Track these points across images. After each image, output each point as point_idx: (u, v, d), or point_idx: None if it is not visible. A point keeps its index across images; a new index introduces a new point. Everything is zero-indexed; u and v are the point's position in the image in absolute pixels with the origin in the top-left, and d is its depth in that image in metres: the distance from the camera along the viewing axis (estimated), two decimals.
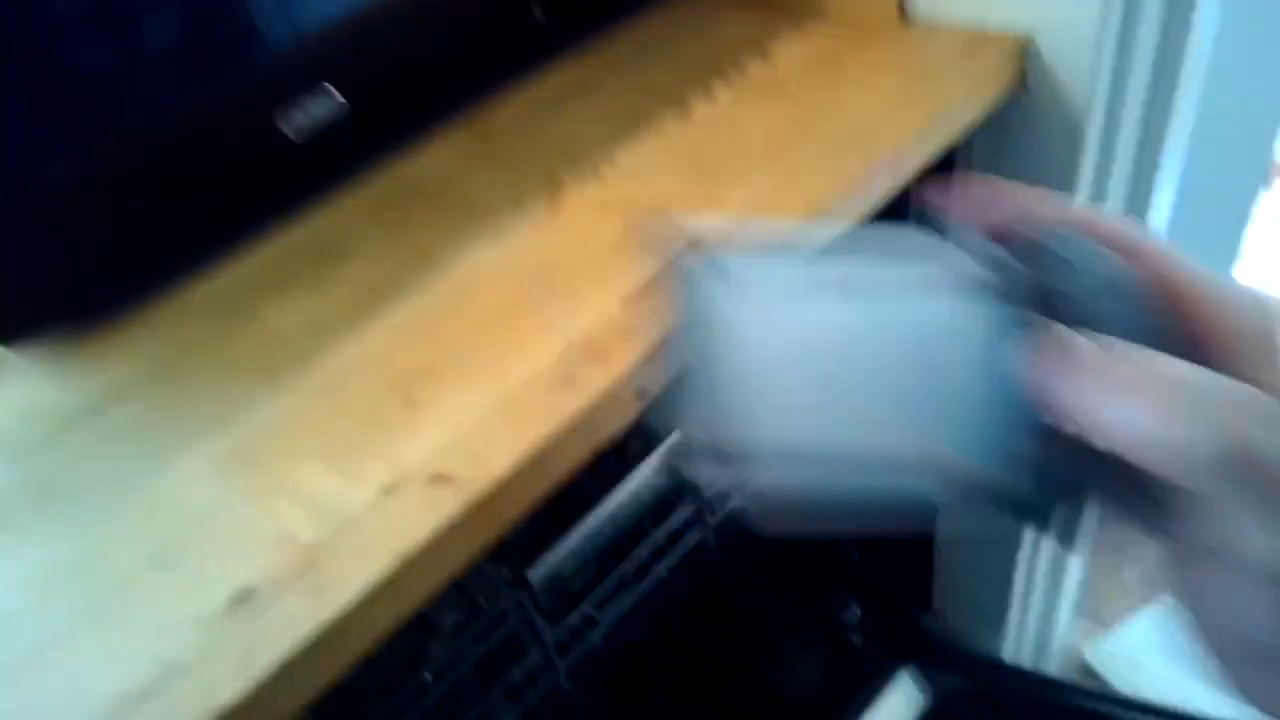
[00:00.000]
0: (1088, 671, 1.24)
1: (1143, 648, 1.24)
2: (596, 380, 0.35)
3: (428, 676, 0.48)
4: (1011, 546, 0.76)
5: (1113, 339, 0.23)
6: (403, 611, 0.30)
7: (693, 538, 0.61)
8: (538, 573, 0.48)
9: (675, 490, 0.58)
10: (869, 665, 0.92)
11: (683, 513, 0.59)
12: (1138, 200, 0.57)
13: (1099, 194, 0.55)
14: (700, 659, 0.89)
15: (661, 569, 0.59)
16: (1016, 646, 0.89)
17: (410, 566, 0.30)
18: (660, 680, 0.90)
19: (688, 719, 0.91)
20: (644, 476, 0.54)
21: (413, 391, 0.37)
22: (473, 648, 0.48)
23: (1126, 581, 1.37)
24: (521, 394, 0.35)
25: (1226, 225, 1.25)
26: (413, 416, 0.35)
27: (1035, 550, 0.77)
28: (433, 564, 0.31)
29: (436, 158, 0.53)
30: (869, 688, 0.89)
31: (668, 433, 0.55)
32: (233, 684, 0.28)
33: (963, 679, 0.87)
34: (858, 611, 0.95)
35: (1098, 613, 1.31)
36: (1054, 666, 1.06)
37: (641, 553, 0.58)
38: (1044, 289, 0.25)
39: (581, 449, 0.35)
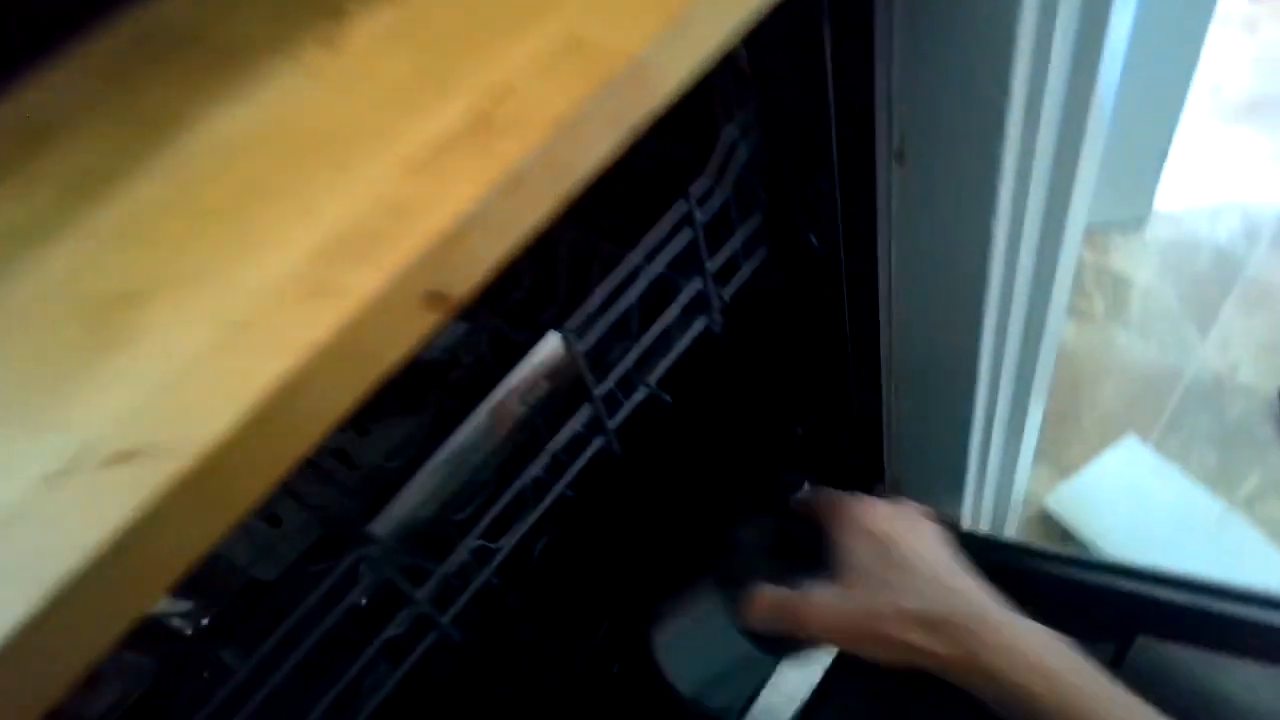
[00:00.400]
0: (1049, 520, 1.22)
1: (1103, 491, 1.21)
2: (364, 285, 0.24)
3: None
4: (966, 403, 0.69)
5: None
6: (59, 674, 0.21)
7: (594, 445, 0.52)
8: (386, 523, 0.39)
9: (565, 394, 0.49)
10: None
11: (579, 418, 0.50)
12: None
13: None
14: (633, 579, 0.81)
15: (561, 486, 0.51)
16: (975, 508, 0.84)
17: (67, 603, 0.20)
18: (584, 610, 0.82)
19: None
20: (518, 380, 0.44)
21: (106, 325, 0.25)
22: (321, 619, 0.39)
23: (1085, 427, 1.34)
24: (255, 315, 0.24)
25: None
26: (101, 363, 0.25)
27: (992, 402, 0.70)
28: (105, 594, 0.21)
29: None
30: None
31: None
32: None
33: None
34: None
35: (1057, 459, 1.28)
36: (1015, 518, 1.02)
37: (534, 470, 0.49)
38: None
39: (349, 385, 0.24)
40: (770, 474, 0.90)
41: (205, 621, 0.47)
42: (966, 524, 0.84)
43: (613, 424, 0.52)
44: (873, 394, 0.73)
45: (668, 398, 0.56)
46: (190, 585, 0.48)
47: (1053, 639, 0.44)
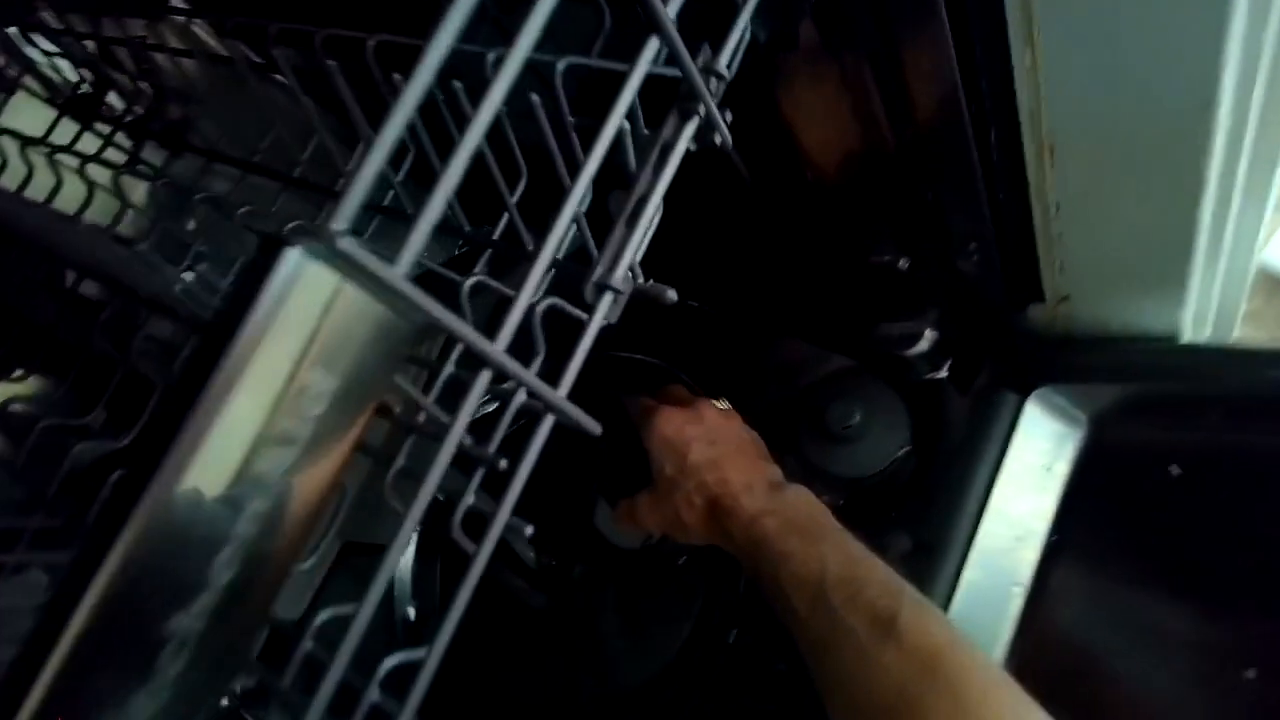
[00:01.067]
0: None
1: None
2: None
3: None
4: (1192, 165, 0.41)
5: None
6: None
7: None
8: None
9: None
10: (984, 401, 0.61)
11: None
12: None
13: None
14: None
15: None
16: (1200, 310, 0.56)
17: None
18: None
19: None
20: None
21: None
22: None
23: None
24: None
25: None
26: None
27: (1233, 159, 0.42)
28: None
29: None
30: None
31: None
32: None
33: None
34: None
35: None
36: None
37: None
38: None
39: None
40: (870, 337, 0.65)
41: None
42: (1186, 336, 0.56)
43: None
44: (1011, 166, 0.46)
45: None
46: None
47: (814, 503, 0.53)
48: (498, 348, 0.23)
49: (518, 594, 0.75)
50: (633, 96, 0.25)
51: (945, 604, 0.55)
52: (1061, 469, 0.57)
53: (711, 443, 0.57)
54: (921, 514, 0.60)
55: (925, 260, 0.56)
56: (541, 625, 0.74)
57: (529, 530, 0.28)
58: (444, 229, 0.40)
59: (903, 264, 0.56)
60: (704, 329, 0.76)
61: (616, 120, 0.24)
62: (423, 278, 0.28)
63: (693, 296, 0.77)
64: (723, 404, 0.64)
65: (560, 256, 0.30)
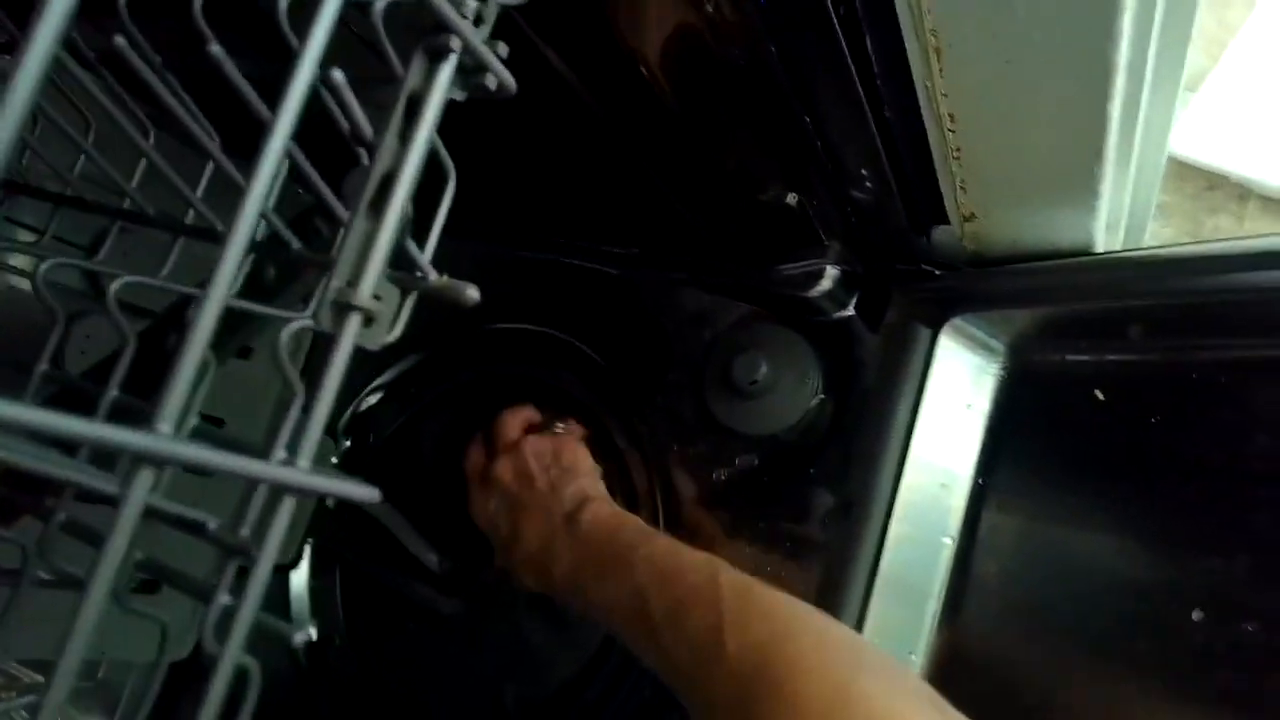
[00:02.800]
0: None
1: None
2: None
3: None
4: (1100, 50, 0.35)
5: None
6: None
7: None
8: None
9: None
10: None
11: None
12: None
13: None
14: None
15: None
16: (1113, 216, 0.51)
17: None
18: None
19: None
20: None
21: None
22: None
23: None
24: None
25: None
26: None
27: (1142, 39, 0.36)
28: None
29: None
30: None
31: None
32: None
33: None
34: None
35: None
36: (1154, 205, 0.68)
37: None
38: None
39: None
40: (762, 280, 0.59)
41: None
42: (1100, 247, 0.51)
43: None
44: (895, 76, 0.39)
45: None
46: None
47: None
48: (159, 432, 0.16)
49: (428, 603, 0.68)
50: (328, 30, 0.17)
51: (873, 562, 0.50)
52: (982, 405, 0.52)
53: (509, 510, 0.57)
54: (841, 468, 0.55)
55: (816, 193, 0.50)
56: (457, 632, 0.68)
57: (306, 635, 0.22)
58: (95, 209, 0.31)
59: (791, 200, 0.50)
60: (595, 289, 0.69)
61: (308, 66, 0.17)
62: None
63: (578, 254, 0.70)
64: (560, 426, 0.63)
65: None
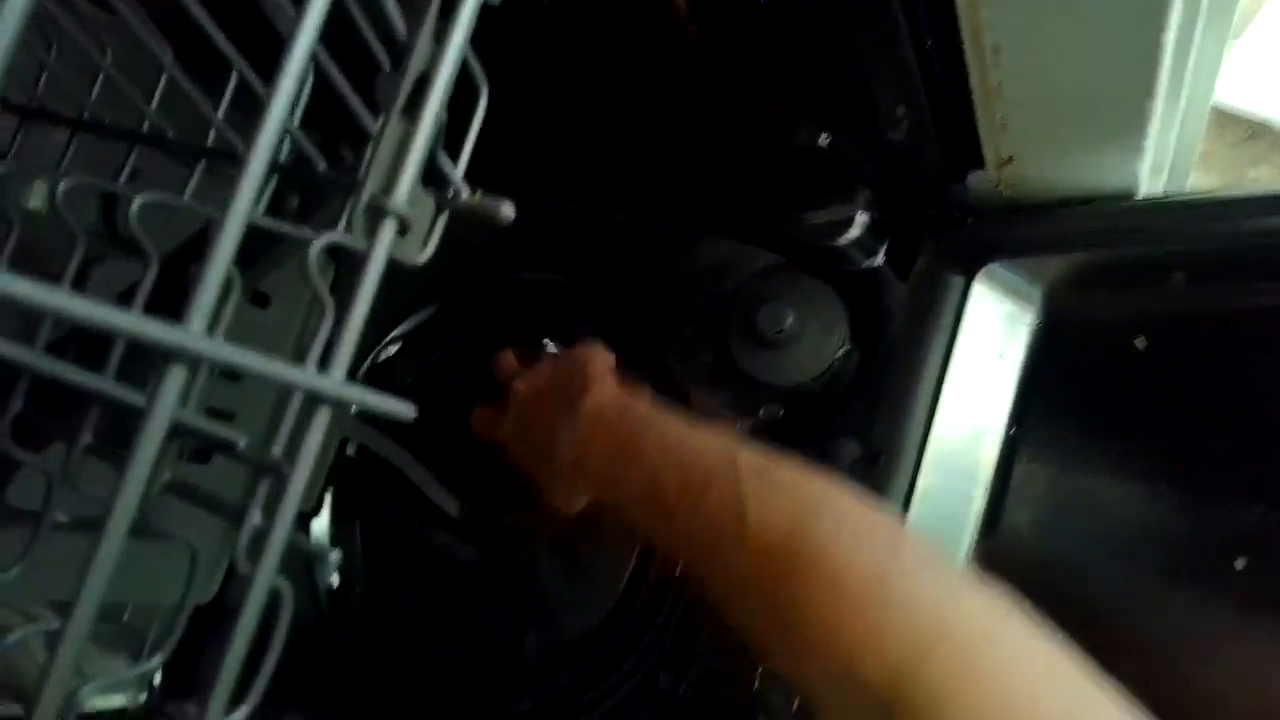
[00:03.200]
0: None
1: None
2: None
3: None
4: None
5: None
6: None
7: None
8: None
9: None
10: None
11: None
12: None
13: None
14: None
15: None
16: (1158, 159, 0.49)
17: None
18: None
19: None
20: None
21: None
22: None
23: None
24: None
25: None
26: None
27: None
28: None
29: None
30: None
31: None
32: None
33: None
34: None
35: None
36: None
37: None
38: None
39: None
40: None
41: None
42: (1143, 192, 0.49)
43: None
44: (937, 3, 0.38)
45: None
46: None
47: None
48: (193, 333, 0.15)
49: (447, 551, 0.68)
50: None
51: (900, 514, 0.50)
52: (1015, 354, 0.51)
53: (527, 432, 0.56)
54: (868, 418, 0.54)
55: (848, 134, 0.48)
56: (476, 580, 0.68)
57: (338, 558, 0.21)
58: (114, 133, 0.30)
59: (823, 141, 0.49)
60: (614, 237, 0.68)
61: None
62: None
63: (599, 203, 0.69)
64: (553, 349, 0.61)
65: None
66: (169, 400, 0.15)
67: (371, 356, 0.75)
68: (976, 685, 0.29)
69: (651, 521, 0.43)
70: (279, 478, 0.20)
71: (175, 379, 0.15)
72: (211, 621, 0.70)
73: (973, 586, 0.32)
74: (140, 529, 0.25)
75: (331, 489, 0.73)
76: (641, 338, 0.64)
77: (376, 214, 0.18)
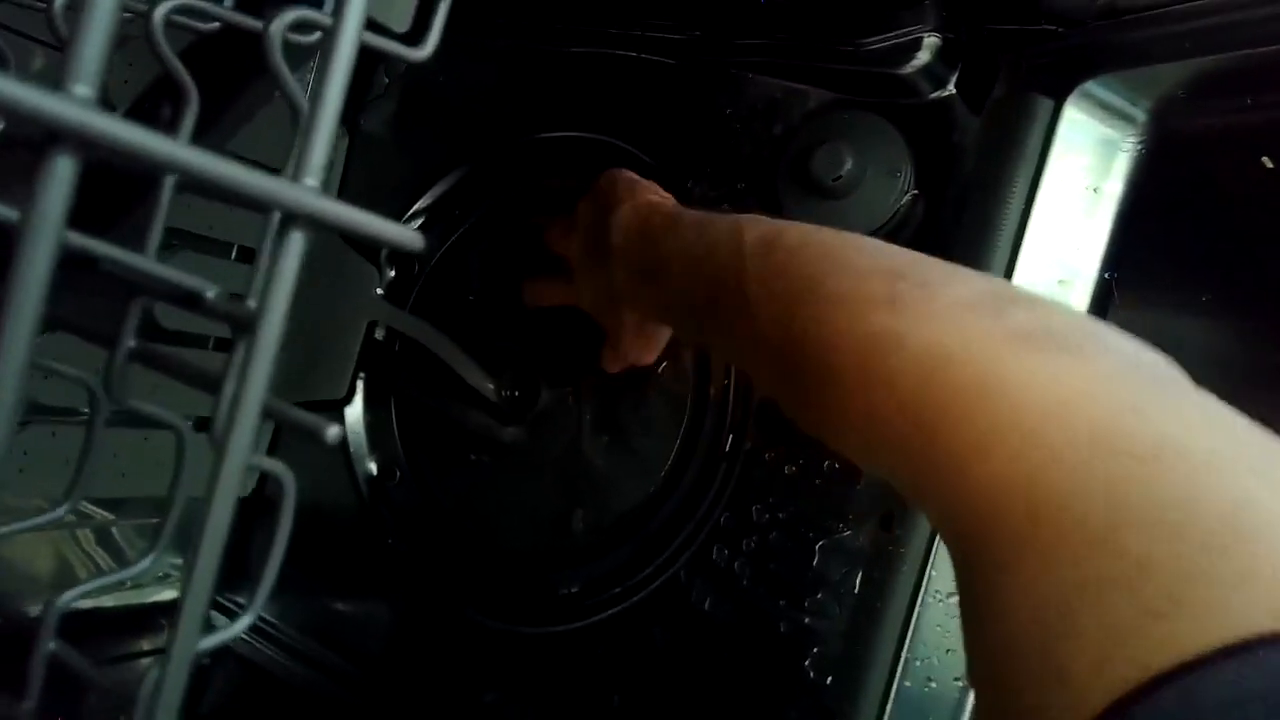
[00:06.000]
0: None
1: None
2: None
3: None
4: None
5: None
6: None
7: None
8: None
9: None
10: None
11: None
12: None
13: None
14: None
15: None
16: None
17: None
18: None
19: None
20: None
21: None
22: None
23: None
24: None
25: None
26: None
27: None
28: None
29: None
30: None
31: None
32: None
33: None
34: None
35: None
36: None
37: None
38: None
39: None
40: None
41: None
42: None
43: None
44: None
45: None
46: None
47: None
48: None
49: (487, 432, 0.66)
50: None
51: None
52: (1114, 188, 0.45)
53: (580, 270, 0.53)
54: None
55: None
56: (519, 461, 0.65)
57: (339, 433, 0.17)
58: None
59: None
60: (651, 84, 0.61)
61: None
62: None
63: (631, 44, 0.62)
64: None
65: None
66: (57, 198, 0.11)
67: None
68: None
69: (689, 334, 0.42)
70: (254, 333, 0.16)
71: (64, 171, 0.11)
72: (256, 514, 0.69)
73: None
74: (117, 410, 0.21)
75: (363, 375, 0.71)
76: (684, 194, 0.59)
77: None
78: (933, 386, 0.24)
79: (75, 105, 0.10)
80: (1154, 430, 0.21)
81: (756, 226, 0.36)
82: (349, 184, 0.72)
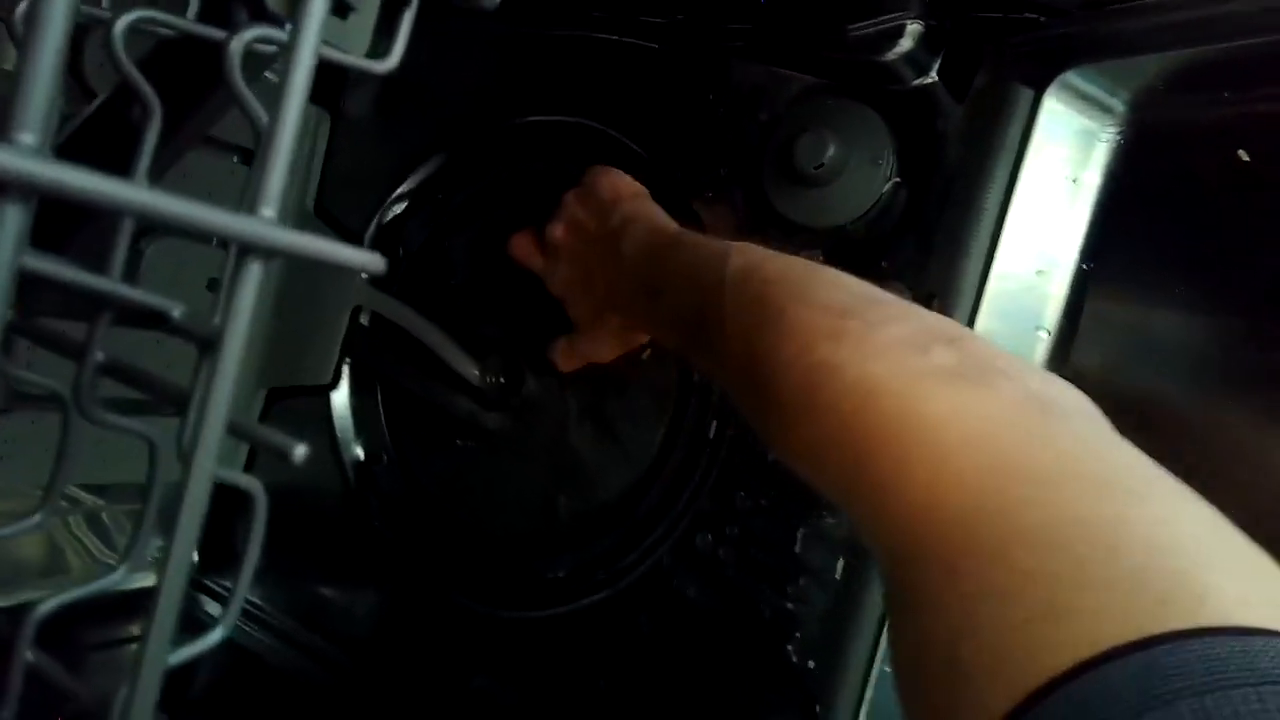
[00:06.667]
0: None
1: None
2: None
3: None
4: None
5: None
6: None
7: None
8: None
9: None
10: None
11: None
12: None
13: None
14: None
15: None
16: None
17: None
18: None
19: None
20: None
21: None
22: None
23: None
24: None
25: None
26: None
27: None
28: None
29: None
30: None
31: None
32: None
33: None
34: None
35: None
36: None
37: None
38: None
39: None
40: None
41: None
42: None
43: None
44: None
45: None
46: None
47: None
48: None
49: (473, 418, 0.66)
50: None
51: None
52: (1091, 178, 0.45)
53: (570, 270, 0.55)
54: (920, 259, 0.48)
55: None
56: (504, 446, 0.65)
57: (305, 452, 0.17)
58: None
59: None
60: (635, 68, 0.61)
61: None
62: None
63: (615, 28, 0.61)
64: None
65: None
66: (8, 243, 0.11)
67: (377, 218, 0.70)
68: None
69: (674, 345, 0.44)
70: (217, 354, 0.16)
71: (13, 219, 0.11)
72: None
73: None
74: (86, 416, 0.21)
75: (349, 360, 0.71)
76: (666, 181, 0.59)
77: None
78: (863, 415, 0.27)
79: (22, 155, 0.10)
80: (1050, 458, 0.24)
81: (744, 255, 0.38)
82: (331, 168, 0.72)
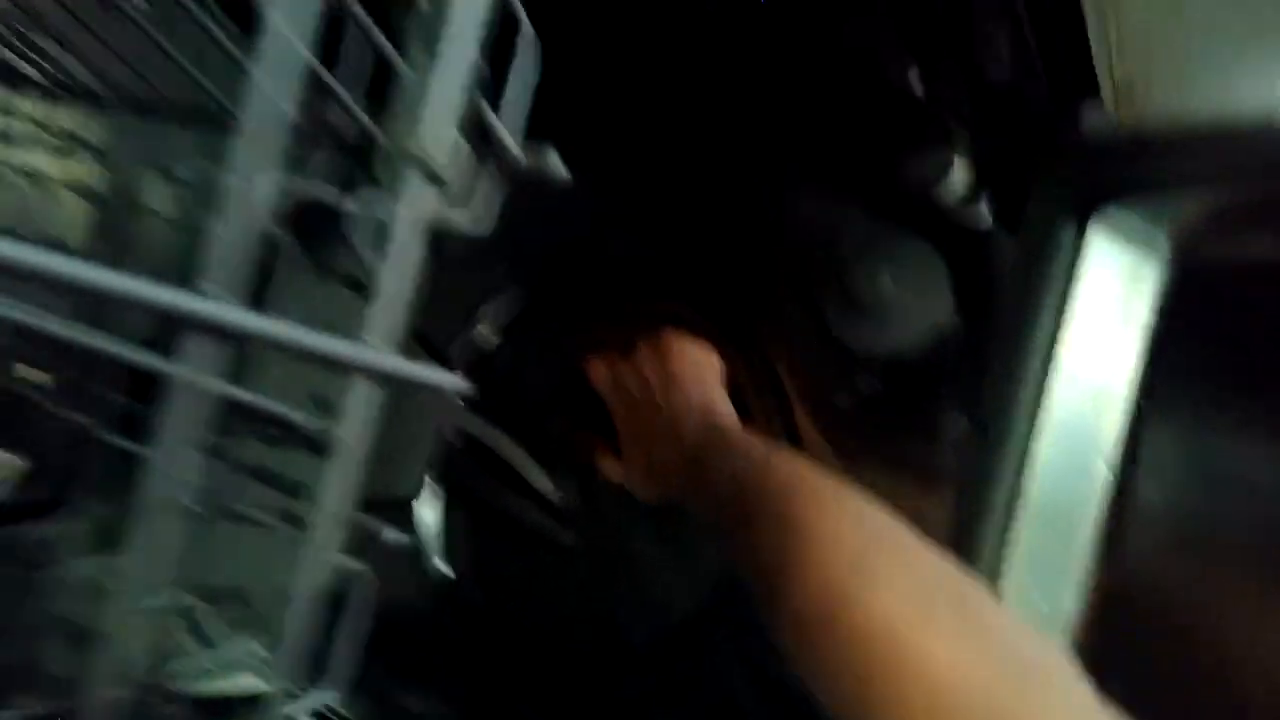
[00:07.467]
0: None
1: None
2: None
3: None
4: None
5: None
6: None
7: None
8: None
9: None
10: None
11: None
12: None
13: None
14: None
15: None
16: None
17: None
18: None
19: None
20: None
21: None
22: None
23: None
24: None
25: None
26: None
27: None
28: None
29: None
30: None
31: None
32: None
33: None
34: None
35: None
36: None
37: None
38: None
39: None
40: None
41: None
42: None
43: None
44: None
45: None
46: None
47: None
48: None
49: (545, 533, 0.68)
50: None
51: (1013, 490, 0.46)
52: (1140, 311, 0.46)
53: (630, 424, 0.58)
54: (975, 388, 0.50)
55: (942, 69, 0.45)
56: (578, 563, 0.67)
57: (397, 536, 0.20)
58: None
59: (913, 78, 0.45)
60: (697, 203, 0.66)
61: None
62: None
63: (677, 164, 0.66)
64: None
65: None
66: (196, 366, 0.15)
67: (462, 338, 0.75)
68: None
69: (706, 518, 0.46)
70: (331, 454, 0.20)
71: (199, 346, 0.15)
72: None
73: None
74: (226, 513, 0.25)
75: (432, 474, 0.74)
76: (731, 309, 0.62)
77: (399, 162, 0.17)
78: (873, 643, 0.31)
79: (206, 301, 0.14)
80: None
81: (782, 467, 0.42)
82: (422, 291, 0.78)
